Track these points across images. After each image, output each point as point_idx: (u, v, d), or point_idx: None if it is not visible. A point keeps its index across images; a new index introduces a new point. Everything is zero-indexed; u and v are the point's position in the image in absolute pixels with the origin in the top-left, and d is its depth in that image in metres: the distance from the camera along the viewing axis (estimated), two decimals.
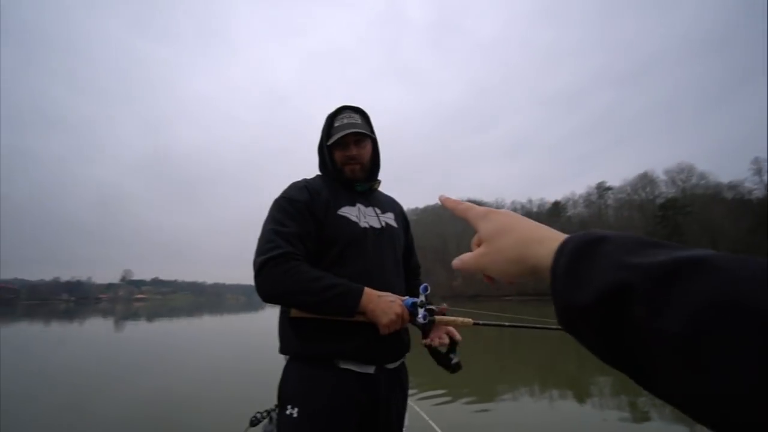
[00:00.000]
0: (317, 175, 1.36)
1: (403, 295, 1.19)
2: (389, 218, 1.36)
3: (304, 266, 1.07)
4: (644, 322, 0.23)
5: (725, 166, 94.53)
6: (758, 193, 52.94)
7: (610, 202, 70.82)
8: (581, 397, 5.24)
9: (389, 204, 1.43)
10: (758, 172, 53.07)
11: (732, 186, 55.44)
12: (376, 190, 1.41)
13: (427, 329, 1.16)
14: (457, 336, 1.21)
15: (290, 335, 1.15)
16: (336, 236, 1.19)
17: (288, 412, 1.07)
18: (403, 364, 1.25)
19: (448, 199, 0.49)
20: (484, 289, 68.20)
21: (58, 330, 19.14)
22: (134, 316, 30.64)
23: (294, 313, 1.08)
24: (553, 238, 0.34)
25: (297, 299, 1.05)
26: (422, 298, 1.12)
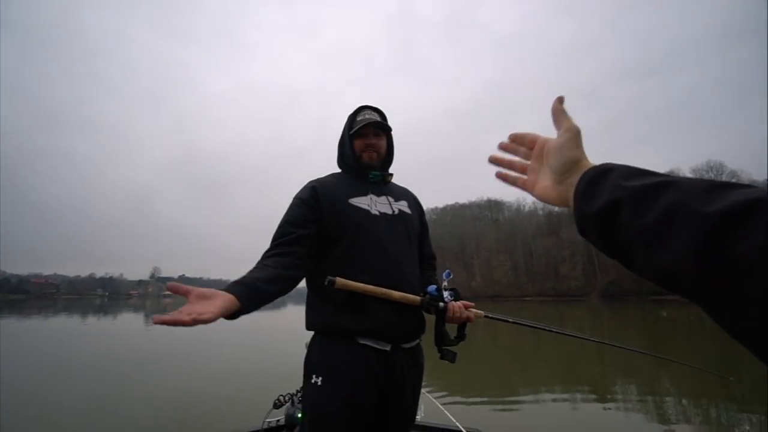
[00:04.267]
0: (331, 174, 1.47)
1: (418, 281, 1.36)
2: (402, 205, 1.44)
3: (264, 261, 1.15)
4: (628, 223, 0.36)
5: (757, 162, 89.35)
6: None
7: None
8: (604, 400, 5.25)
9: (402, 193, 1.51)
10: None
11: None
12: (389, 182, 1.49)
13: (443, 315, 1.27)
14: (472, 318, 1.32)
15: (318, 307, 1.25)
16: (347, 223, 1.27)
17: (313, 381, 1.18)
18: (419, 344, 1.34)
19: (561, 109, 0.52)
20: (504, 290, 67.26)
21: (94, 324, 20.25)
22: (163, 311, 31.88)
23: (339, 283, 1.14)
24: (585, 167, 0.46)
25: None
26: (445, 282, 1.31)
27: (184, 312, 0.76)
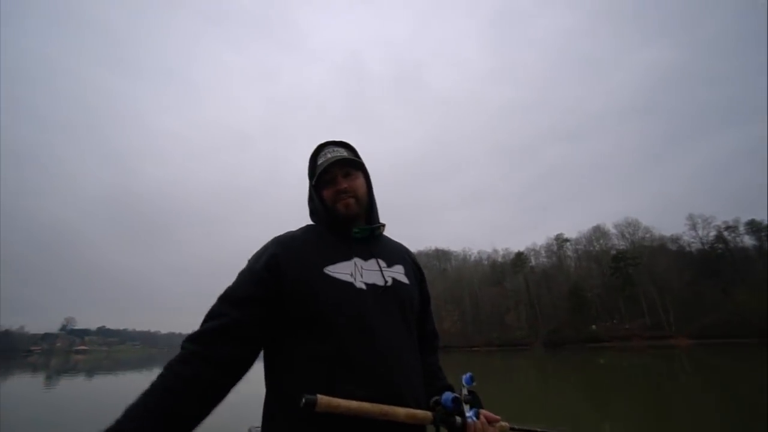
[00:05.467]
0: (304, 227, 1.11)
1: (421, 382, 0.99)
2: (397, 272, 1.07)
3: (169, 373, 0.80)
4: None
5: (665, 220, 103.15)
6: (696, 246, 57.90)
7: (569, 253, 74.29)
8: None
9: (398, 254, 1.14)
10: (693, 227, 58.47)
11: (674, 239, 60.34)
12: (380, 235, 1.14)
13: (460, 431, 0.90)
14: None
15: (282, 425, 0.86)
16: (322, 304, 0.92)
17: None
18: None
19: None
20: (453, 340, 67.06)
21: None
22: (71, 370, 27.32)
23: (322, 406, 0.75)
24: None
25: None
26: (465, 391, 0.94)
27: None
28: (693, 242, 58.63)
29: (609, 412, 7.36)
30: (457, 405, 0.91)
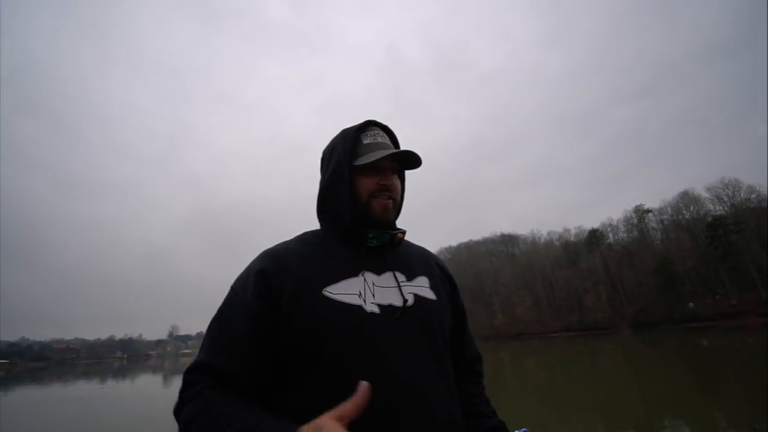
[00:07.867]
0: (299, 235, 0.90)
1: (457, 422, 0.76)
2: (421, 287, 0.85)
3: (213, 407, 0.64)
4: None
5: None
6: None
7: (653, 224, 67.08)
8: None
9: (421, 262, 0.91)
10: None
11: None
12: (400, 242, 0.90)
13: None
14: None
15: None
16: (319, 337, 0.70)
17: None
18: None
19: None
20: (527, 327, 64.40)
21: (113, 387, 20.04)
22: (181, 372, 31.66)
23: None
24: None
25: None
26: None
27: None
28: None
29: (721, 403, 6.71)
30: None
